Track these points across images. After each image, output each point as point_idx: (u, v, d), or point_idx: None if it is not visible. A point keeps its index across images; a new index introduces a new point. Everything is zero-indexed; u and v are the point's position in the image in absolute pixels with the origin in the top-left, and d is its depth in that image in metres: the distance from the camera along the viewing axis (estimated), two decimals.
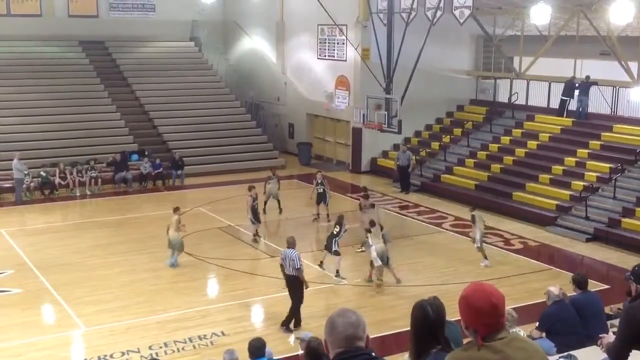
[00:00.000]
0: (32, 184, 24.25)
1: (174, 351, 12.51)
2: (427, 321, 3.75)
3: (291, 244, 13.61)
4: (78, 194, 24.81)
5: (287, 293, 13.60)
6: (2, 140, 26.02)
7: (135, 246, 18.90)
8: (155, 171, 26.55)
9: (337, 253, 16.21)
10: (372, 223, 16.11)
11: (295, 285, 13.43)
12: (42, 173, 24.52)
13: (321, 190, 21.32)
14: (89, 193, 24.98)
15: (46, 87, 29.18)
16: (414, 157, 26.05)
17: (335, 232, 16.38)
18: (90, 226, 21.04)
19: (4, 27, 30.43)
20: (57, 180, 24.70)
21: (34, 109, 28.21)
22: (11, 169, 23.82)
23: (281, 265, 13.64)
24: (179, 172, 26.82)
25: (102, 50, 32.64)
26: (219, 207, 22.99)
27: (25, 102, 28.31)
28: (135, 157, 27.26)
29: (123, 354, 12.29)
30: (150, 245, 18.77)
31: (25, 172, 23.87)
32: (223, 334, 13.23)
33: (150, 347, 12.56)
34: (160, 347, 12.59)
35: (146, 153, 27.48)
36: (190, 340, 12.95)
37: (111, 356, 12.21)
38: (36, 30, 31.24)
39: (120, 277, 16.51)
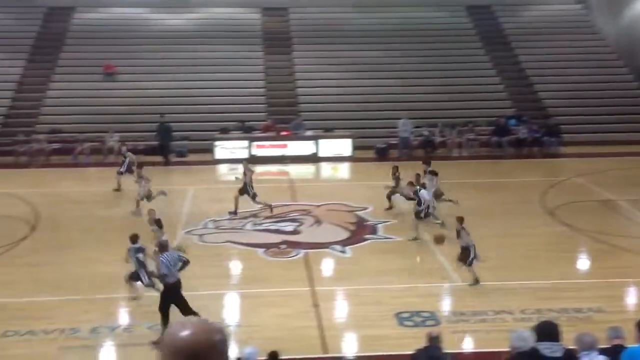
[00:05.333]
0: (414, 142, 25.86)
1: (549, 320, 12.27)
2: None
3: None
4: (455, 154, 25.71)
5: None
6: (390, 100, 28.07)
7: (503, 210, 18.92)
8: (532, 137, 26.12)
9: None
10: None
11: None
12: (424, 132, 25.96)
13: None
14: (465, 154, 25.71)
15: (429, 52, 30.49)
16: None
17: None
18: (463, 186, 21.64)
19: None
20: (437, 139, 25.93)
21: (418, 71, 29.78)
22: (397, 128, 25.67)
23: None
24: (553, 139, 25.96)
25: (488, 15, 32.89)
26: (597, 179, 21.72)
27: (410, 66, 30.01)
28: (512, 122, 27.14)
29: (497, 313, 12.48)
30: (517, 211, 18.62)
31: (411, 131, 25.52)
32: (601, 310, 12.56)
33: (523, 312, 12.52)
34: (533, 313, 12.46)
35: (523, 119, 27.16)
36: (565, 311, 12.56)
37: (485, 313, 12.48)
38: None
39: (490, 239, 16.68)
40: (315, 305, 12.97)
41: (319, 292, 13.59)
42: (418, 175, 17.88)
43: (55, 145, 25.25)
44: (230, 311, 13.23)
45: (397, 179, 18.81)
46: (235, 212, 18.35)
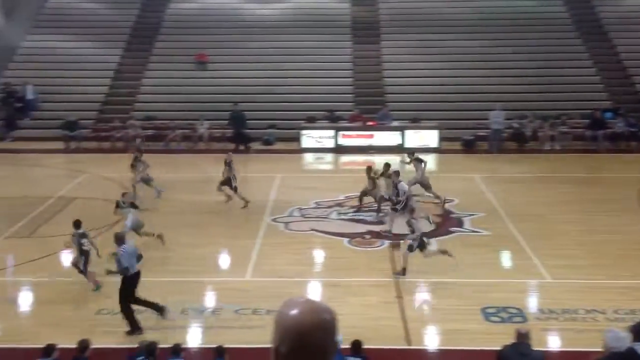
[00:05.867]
0: (504, 134, 25.27)
1: None
2: None
3: None
4: (547, 147, 24.96)
5: None
6: (479, 91, 27.51)
7: (596, 206, 18.27)
8: (629, 131, 25.04)
9: None
10: None
11: None
12: (514, 125, 25.32)
13: None
14: (557, 147, 24.93)
15: (522, 41, 29.63)
16: None
17: None
18: (554, 181, 21.04)
19: None
20: (528, 132, 25.24)
21: (510, 61, 29.02)
22: (487, 119, 25.12)
23: None
24: None
25: (584, 3, 31.68)
26: None
27: (502, 55, 29.29)
28: (608, 115, 26.09)
29: (588, 312, 12.07)
30: (610, 207, 17.93)
31: (503, 123, 24.97)
32: None
33: (616, 312, 12.06)
34: (626, 314, 11.98)
35: (620, 112, 26.07)
36: None
37: (575, 312, 12.10)
38: None
39: (580, 235, 16.20)
40: (399, 297, 12.92)
41: (402, 284, 13.53)
42: (388, 165, 17.90)
43: (149, 132, 26.11)
44: (313, 299, 13.34)
45: (372, 179, 17.71)
46: (358, 209, 18.02)
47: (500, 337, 10.04)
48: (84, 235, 13.28)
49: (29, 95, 27.88)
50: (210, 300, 13.23)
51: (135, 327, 11.29)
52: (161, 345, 9.57)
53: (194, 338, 11.81)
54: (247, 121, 26.19)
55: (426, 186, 18.17)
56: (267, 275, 14.09)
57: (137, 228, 15.28)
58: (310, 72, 28.99)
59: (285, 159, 24.26)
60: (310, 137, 25.38)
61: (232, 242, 15.97)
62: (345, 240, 16.11)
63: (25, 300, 13.40)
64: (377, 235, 16.37)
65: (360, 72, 29.30)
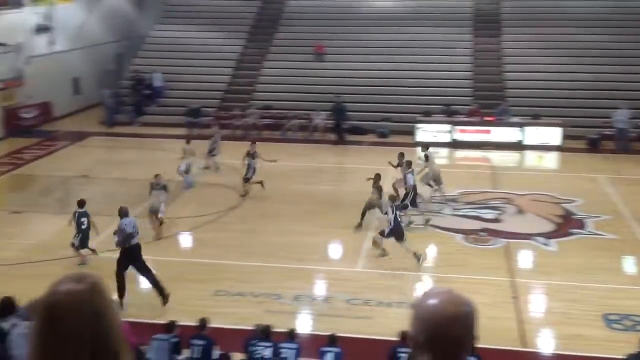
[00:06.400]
0: (631, 134, 23.98)
1: None
2: None
3: None
4: None
5: None
6: (605, 87, 26.21)
7: None
8: None
9: None
10: None
11: None
12: None
13: None
14: None
15: None
16: None
17: None
18: None
19: None
20: None
21: (637, 58, 27.44)
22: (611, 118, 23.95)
23: None
24: None
25: None
26: None
27: (631, 52, 27.70)
28: None
29: None
30: None
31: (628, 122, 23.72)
32: None
33: None
34: None
35: None
36: None
37: None
38: None
39: None
40: (514, 297, 12.59)
41: (518, 284, 13.17)
42: (402, 154, 17.87)
43: (267, 121, 26.67)
44: (422, 293, 13.17)
45: (378, 189, 16.13)
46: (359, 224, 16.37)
47: (622, 346, 9.59)
48: (84, 214, 13.91)
49: (157, 83, 29.16)
50: (322, 288, 13.40)
51: (121, 295, 11.78)
52: (275, 329, 9.79)
53: (306, 324, 12.01)
54: (361, 113, 26.23)
55: (438, 180, 17.87)
56: (379, 268, 14.10)
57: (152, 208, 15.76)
58: (429, 65, 28.60)
59: (399, 152, 24.03)
60: (426, 131, 25.08)
61: (344, 232, 16.07)
62: (460, 236, 15.85)
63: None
64: (494, 233, 16.00)
65: (480, 66, 28.62)
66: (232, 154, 21.13)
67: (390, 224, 14.14)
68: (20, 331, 6.98)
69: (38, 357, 1.94)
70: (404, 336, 9.14)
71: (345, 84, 27.75)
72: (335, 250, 15.62)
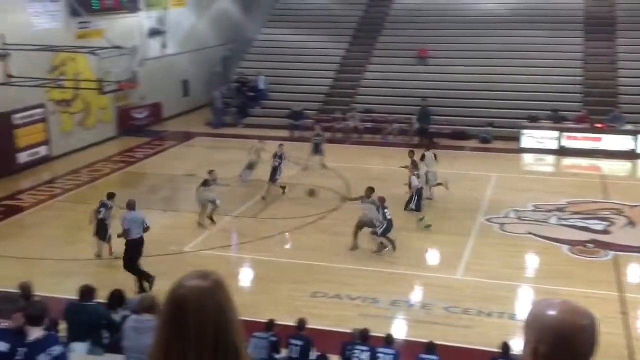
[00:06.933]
0: None
1: None
2: None
3: None
4: None
5: None
6: None
7: None
8: None
9: None
10: None
11: None
12: None
13: None
14: None
15: None
16: None
17: None
18: None
19: None
20: None
21: None
22: None
23: None
24: None
25: None
26: None
27: None
28: None
29: None
30: None
31: None
32: None
33: None
34: None
35: None
36: None
37: None
38: None
39: None
40: (623, 312, 12.00)
41: (627, 299, 12.55)
42: (412, 151, 18.29)
43: (368, 124, 26.67)
44: (523, 304, 12.80)
45: (382, 201, 14.90)
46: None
47: None
48: (104, 205, 14.40)
49: (261, 85, 29.77)
50: (419, 294, 13.26)
51: (149, 279, 12.65)
52: (372, 334, 9.77)
53: (402, 330, 11.92)
54: (463, 118, 25.83)
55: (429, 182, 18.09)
56: (479, 276, 13.81)
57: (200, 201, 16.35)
58: (535, 69, 27.73)
59: (502, 158, 23.51)
60: (531, 137, 24.33)
61: (444, 239, 15.85)
62: (565, 247, 15.28)
63: (246, 275, 14.40)
64: (603, 245, 15.32)
65: (591, 71, 27.48)
66: (336, 158, 21.30)
67: (382, 222, 14.34)
68: (131, 324, 7.28)
69: (163, 348, 2.05)
70: (505, 347, 8.90)
71: (448, 88, 27.37)
72: (434, 256, 15.43)
